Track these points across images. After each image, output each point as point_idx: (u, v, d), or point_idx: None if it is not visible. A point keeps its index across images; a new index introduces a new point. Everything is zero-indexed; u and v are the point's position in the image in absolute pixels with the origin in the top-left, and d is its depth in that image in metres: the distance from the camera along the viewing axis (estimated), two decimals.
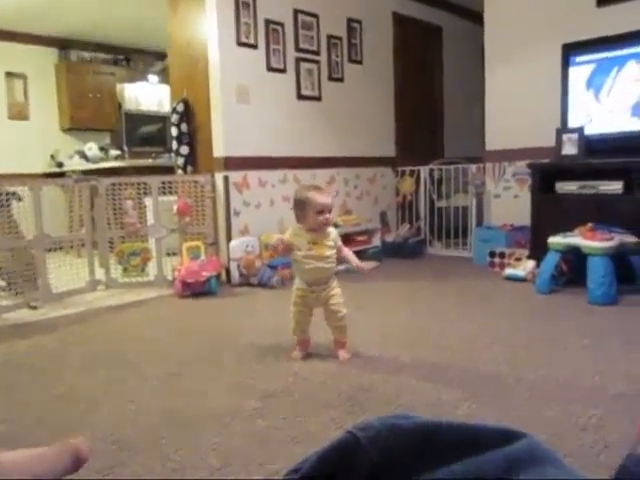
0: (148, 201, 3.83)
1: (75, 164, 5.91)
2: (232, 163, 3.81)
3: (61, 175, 5.37)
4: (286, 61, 4.13)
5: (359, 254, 4.08)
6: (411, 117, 5.30)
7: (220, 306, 3.22)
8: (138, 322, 2.92)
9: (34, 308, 3.19)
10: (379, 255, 4.48)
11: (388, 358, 2.14)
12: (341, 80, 4.58)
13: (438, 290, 3.42)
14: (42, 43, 6.23)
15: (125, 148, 6.24)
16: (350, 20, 4.64)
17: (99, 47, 6.68)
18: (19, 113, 6.08)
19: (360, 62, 4.76)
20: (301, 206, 2.07)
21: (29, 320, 2.98)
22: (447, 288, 3.47)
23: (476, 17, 4.99)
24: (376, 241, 4.61)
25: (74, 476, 0.35)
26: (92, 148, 6.15)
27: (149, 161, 5.68)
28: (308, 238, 2.07)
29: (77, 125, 6.38)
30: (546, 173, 3.69)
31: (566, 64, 3.73)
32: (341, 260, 2.22)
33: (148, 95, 6.68)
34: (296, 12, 4.19)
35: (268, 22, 3.99)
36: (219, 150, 3.80)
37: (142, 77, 6.79)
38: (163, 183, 3.73)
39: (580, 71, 3.68)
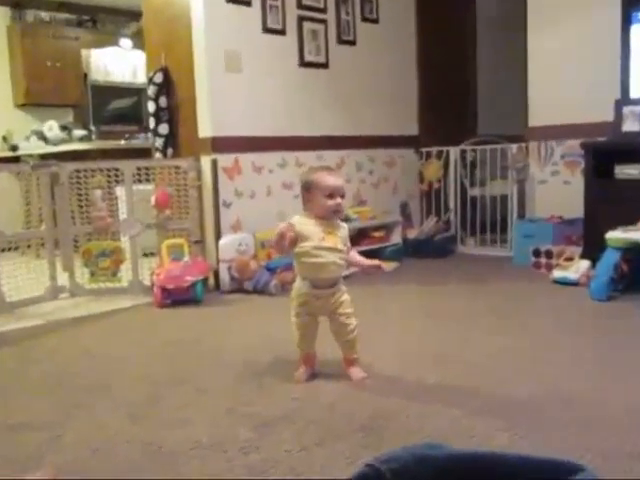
0: (120, 191, 3.84)
1: (32, 147, 5.92)
2: (221, 144, 3.82)
3: (15, 160, 5.39)
4: (286, 21, 4.13)
5: (375, 253, 4.09)
6: (438, 87, 5.29)
7: (207, 317, 3.23)
8: (109, 337, 2.93)
9: None
10: (399, 255, 4.48)
11: (410, 379, 2.14)
12: (353, 43, 4.58)
13: (470, 297, 3.42)
14: None
15: (92, 127, 6.25)
16: None
17: (60, 5, 6.71)
18: None
19: (376, 21, 4.75)
20: (308, 189, 2.10)
21: None
22: (481, 294, 3.46)
23: None
24: (396, 238, 4.61)
25: None
26: (52, 127, 6.16)
27: (121, 143, 5.69)
28: (319, 226, 2.08)
29: (34, 100, 6.40)
30: (603, 154, 3.67)
31: (627, 22, 3.71)
32: (348, 264, 2.22)
33: (119, 63, 6.69)
34: None
35: None
36: (205, 129, 3.81)
37: (112, 41, 6.80)
38: (138, 169, 3.74)
39: None
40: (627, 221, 3.18)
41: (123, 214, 3.83)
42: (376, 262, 2.28)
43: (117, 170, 3.72)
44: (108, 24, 7.03)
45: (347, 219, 3.76)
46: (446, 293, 3.54)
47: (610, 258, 3.16)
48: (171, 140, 3.97)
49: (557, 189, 4.34)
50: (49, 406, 2.03)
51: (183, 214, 3.80)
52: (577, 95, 4.14)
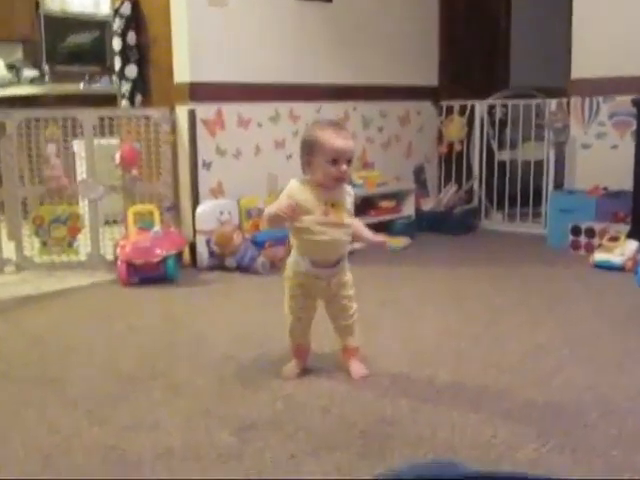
0: (78, 145, 3.83)
1: None
2: (201, 92, 3.80)
3: None
4: None
5: (384, 227, 4.09)
6: (462, 29, 5.25)
7: (182, 299, 3.24)
8: (63, 321, 2.94)
9: None
10: (412, 229, 4.48)
11: (420, 378, 2.16)
12: None
13: (494, 283, 3.43)
14: None
15: (45, 67, 6.19)
16: None
17: None
18: None
19: None
20: (308, 149, 2.06)
21: None
22: (508, 280, 3.48)
23: None
24: (408, 209, 4.61)
25: None
26: None
27: (80, 87, 5.65)
28: (321, 197, 2.07)
29: None
30: None
31: None
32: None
33: None
34: None
35: None
36: (182, 73, 3.79)
37: None
38: (101, 119, 3.71)
39: None
40: None
41: (82, 174, 3.81)
42: (381, 237, 2.29)
43: (75, 120, 3.69)
44: None
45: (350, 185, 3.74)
46: (466, 278, 3.54)
47: None
48: (140, 85, 3.94)
49: (603, 155, 4.33)
50: None
51: (154, 175, 3.79)
52: (629, 42, 4.11)
